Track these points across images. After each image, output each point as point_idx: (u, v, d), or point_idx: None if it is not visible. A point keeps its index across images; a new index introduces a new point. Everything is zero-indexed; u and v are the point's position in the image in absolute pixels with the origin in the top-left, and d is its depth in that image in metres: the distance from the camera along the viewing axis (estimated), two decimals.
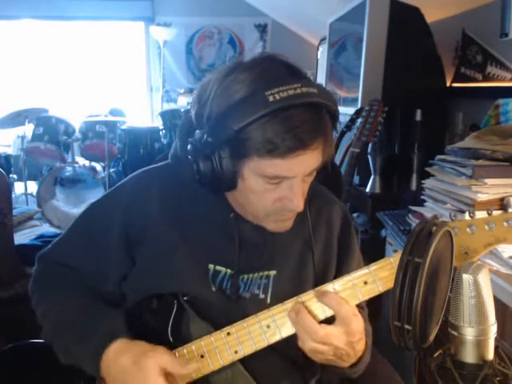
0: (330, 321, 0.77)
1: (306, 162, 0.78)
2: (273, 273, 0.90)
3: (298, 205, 0.81)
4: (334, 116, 0.81)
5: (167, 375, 0.77)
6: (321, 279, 0.89)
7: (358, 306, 0.97)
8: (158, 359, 0.77)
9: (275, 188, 0.80)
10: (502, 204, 1.30)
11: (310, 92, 0.75)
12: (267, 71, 0.78)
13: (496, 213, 0.75)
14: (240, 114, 0.74)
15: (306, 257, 0.93)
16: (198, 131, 0.80)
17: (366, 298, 0.77)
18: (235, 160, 0.78)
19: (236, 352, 0.80)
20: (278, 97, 0.73)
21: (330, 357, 0.78)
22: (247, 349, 0.80)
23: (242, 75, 0.78)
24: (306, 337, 0.76)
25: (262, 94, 0.73)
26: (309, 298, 0.79)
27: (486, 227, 0.74)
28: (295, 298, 0.79)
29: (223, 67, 0.82)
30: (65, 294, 0.92)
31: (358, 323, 0.77)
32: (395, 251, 1.67)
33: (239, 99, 0.75)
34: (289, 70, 0.80)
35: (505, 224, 0.73)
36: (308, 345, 0.76)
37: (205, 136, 0.77)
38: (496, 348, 0.71)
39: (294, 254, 0.93)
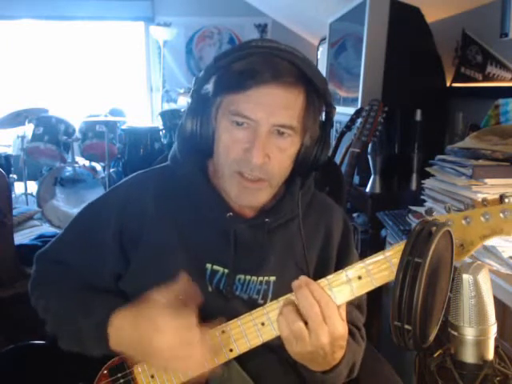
0: None
1: (269, 105, 0.80)
2: (272, 279, 0.91)
3: (257, 156, 0.80)
4: (320, 92, 0.84)
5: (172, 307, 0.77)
6: None
7: (355, 326, 0.97)
8: (152, 301, 0.78)
9: (242, 136, 0.82)
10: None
11: (294, 53, 0.81)
12: (265, 39, 0.88)
13: (492, 204, 0.74)
14: (226, 54, 0.82)
15: (304, 264, 0.92)
16: None
17: (361, 292, 0.75)
18: (212, 104, 0.85)
19: (231, 350, 0.80)
20: (260, 43, 0.81)
21: (308, 348, 0.73)
22: (242, 347, 0.79)
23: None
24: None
25: (249, 41, 0.82)
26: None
27: (482, 219, 0.72)
28: (289, 294, 0.78)
29: None
30: (63, 288, 0.93)
31: (344, 327, 0.75)
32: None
33: (233, 47, 0.84)
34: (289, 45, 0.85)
35: (501, 215, 0.71)
36: (296, 325, 0.73)
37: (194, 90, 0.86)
38: (496, 348, 0.71)
39: (291, 260, 0.93)
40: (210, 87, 0.85)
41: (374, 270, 0.74)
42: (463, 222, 0.73)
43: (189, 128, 0.87)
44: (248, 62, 0.80)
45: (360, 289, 0.75)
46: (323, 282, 0.76)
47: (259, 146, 0.80)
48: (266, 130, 0.81)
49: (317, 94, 0.84)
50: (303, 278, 0.75)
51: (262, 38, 0.99)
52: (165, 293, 0.79)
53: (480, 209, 0.73)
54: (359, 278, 0.75)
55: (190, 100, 0.88)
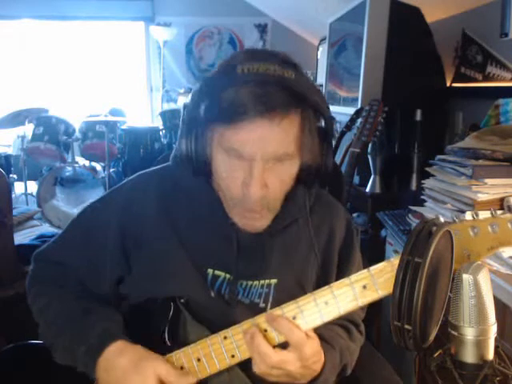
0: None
1: (261, 139, 0.75)
2: (274, 281, 0.89)
3: (254, 191, 0.77)
4: (313, 106, 0.79)
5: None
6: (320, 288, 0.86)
7: (353, 322, 0.97)
8: (156, 366, 0.77)
9: (238, 168, 0.79)
10: (502, 204, 1.30)
11: (283, 75, 0.76)
12: (257, 52, 0.81)
13: (500, 214, 0.72)
14: (213, 82, 0.79)
15: (307, 265, 0.92)
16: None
17: (366, 302, 0.74)
18: (205, 134, 0.81)
19: (233, 356, 0.78)
20: (246, 70, 0.75)
21: (283, 379, 0.77)
22: (244, 353, 0.78)
23: (237, 53, 0.82)
24: (259, 361, 0.75)
25: (235, 66, 0.76)
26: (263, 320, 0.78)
27: (490, 229, 0.71)
28: (263, 314, 0.78)
29: None
30: (60, 292, 0.92)
31: (312, 347, 0.76)
32: (395, 251, 1.67)
33: (219, 70, 0.80)
34: (281, 57, 0.80)
35: (509, 226, 0.71)
36: (261, 368, 0.75)
37: (188, 110, 0.81)
38: (496, 348, 0.71)
39: (295, 262, 0.92)
40: (199, 114, 0.80)
41: (380, 278, 0.73)
42: (470, 232, 0.73)
43: (184, 151, 0.83)
44: (234, 95, 0.74)
45: (365, 298, 0.74)
46: (326, 290, 0.76)
47: (256, 182, 0.77)
48: (262, 164, 0.77)
49: (313, 109, 0.80)
50: (269, 313, 0.77)
51: (251, 53, 0.85)
52: (164, 368, 0.78)
53: (488, 219, 0.72)
54: (364, 287, 0.74)
55: (181, 124, 0.83)
